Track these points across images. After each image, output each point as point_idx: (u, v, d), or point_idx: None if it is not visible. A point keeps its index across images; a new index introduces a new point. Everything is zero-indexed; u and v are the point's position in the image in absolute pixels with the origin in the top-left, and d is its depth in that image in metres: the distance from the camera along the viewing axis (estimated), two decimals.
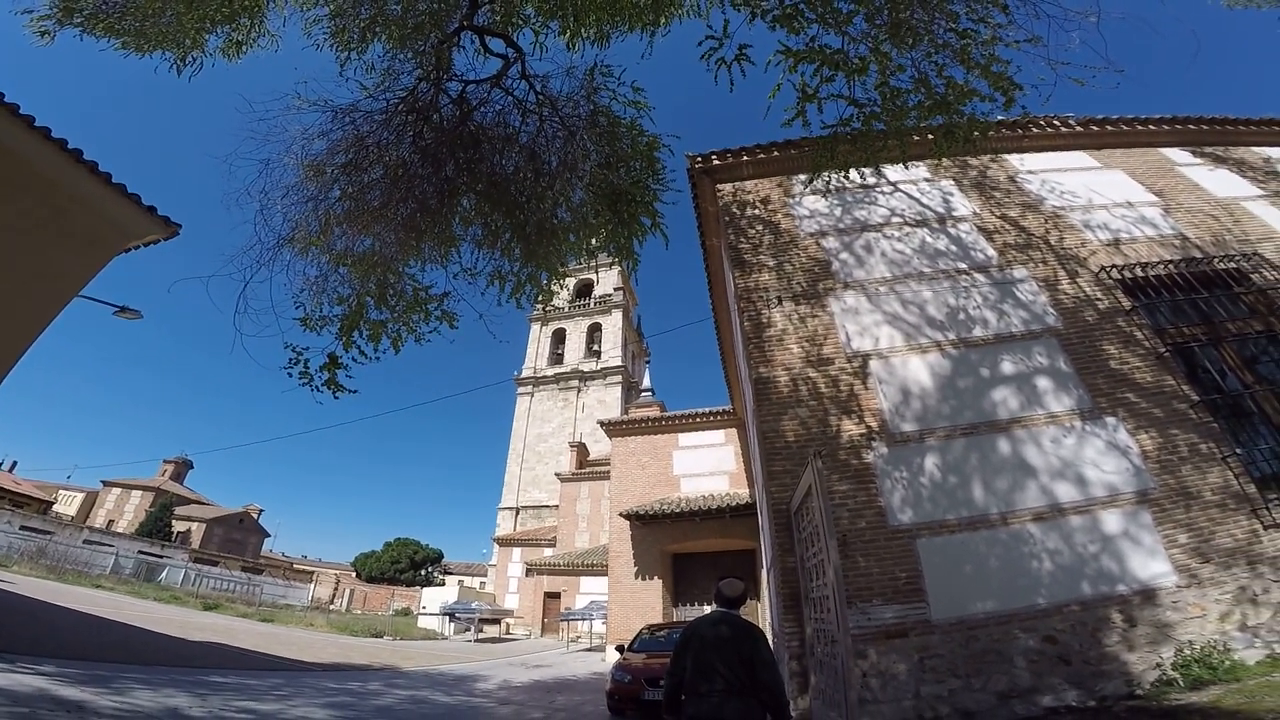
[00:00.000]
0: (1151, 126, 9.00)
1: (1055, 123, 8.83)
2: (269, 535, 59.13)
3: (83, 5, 5.71)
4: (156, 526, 42.99)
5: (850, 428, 5.93)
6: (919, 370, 6.27)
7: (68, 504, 48.36)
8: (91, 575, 23.83)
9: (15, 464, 42.41)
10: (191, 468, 59.02)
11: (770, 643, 3.42)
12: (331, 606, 37.27)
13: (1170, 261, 6.85)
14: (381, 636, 22.60)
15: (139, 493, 50.89)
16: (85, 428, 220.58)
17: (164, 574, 29.45)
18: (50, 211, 6.35)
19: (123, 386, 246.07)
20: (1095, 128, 8.90)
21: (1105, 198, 7.94)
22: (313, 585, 40.56)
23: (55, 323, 6.84)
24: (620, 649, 9.65)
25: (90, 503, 50.51)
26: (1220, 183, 8.19)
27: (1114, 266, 6.86)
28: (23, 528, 27.64)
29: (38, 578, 19.57)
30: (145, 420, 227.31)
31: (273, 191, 5.66)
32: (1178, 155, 8.77)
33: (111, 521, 47.75)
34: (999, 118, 6.41)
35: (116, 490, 51.48)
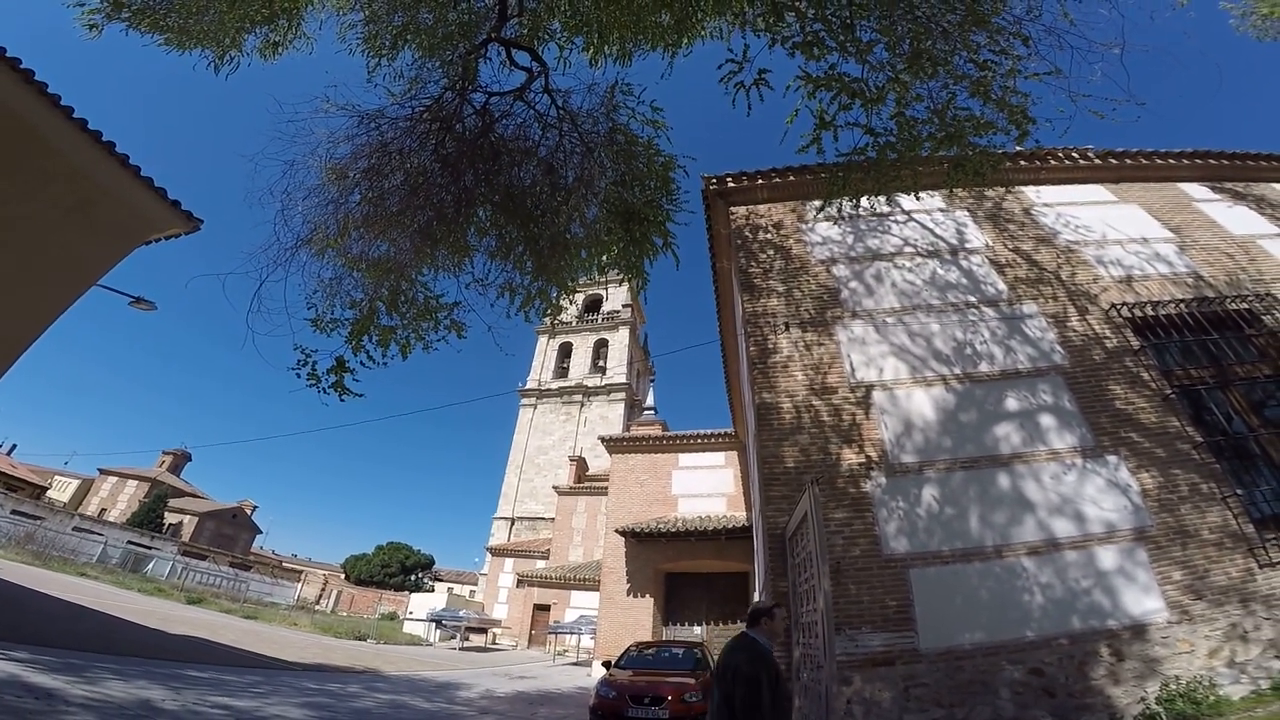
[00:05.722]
0: (1171, 161, 8.88)
1: (1074, 155, 8.78)
2: (261, 532, 58.87)
3: (131, 0, 5.85)
4: (149, 518, 42.85)
5: (850, 457, 5.94)
6: (922, 403, 6.28)
7: (62, 490, 48.21)
8: (77, 563, 23.77)
9: (14, 447, 42.39)
10: (190, 460, 58.92)
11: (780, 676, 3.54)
12: (317, 607, 36.96)
13: (1182, 300, 6.81)
14: (365, 639, 22.34)
15: (134, 482, 50.74)
16: (89, 415, 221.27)
17: (151, 565, 29.34)
18: (79, 200, 6.48)
19: (131, 376, 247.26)
20: (1114, 160, 8.81)
21: (1120, 233, 7.89)
22: (300, 584, 40.25)
23: (70, 309, 6.93)
24: (607, 665, 9.54)
25: (85, 490, 50.35)
26: (1238, 220, 8.08)
27: (1124, 304, 6.86)
28: (14, 512, 27.58)
29: (22, 563, 19.53)
30: (149, 410, 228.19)
31: (295, 192, 5.76)
32: (1196, 190, 8.66)
33: (104, 510, 47.59)
34: (1016, 149, 6.45)
35: (112, 479, 51.33)
